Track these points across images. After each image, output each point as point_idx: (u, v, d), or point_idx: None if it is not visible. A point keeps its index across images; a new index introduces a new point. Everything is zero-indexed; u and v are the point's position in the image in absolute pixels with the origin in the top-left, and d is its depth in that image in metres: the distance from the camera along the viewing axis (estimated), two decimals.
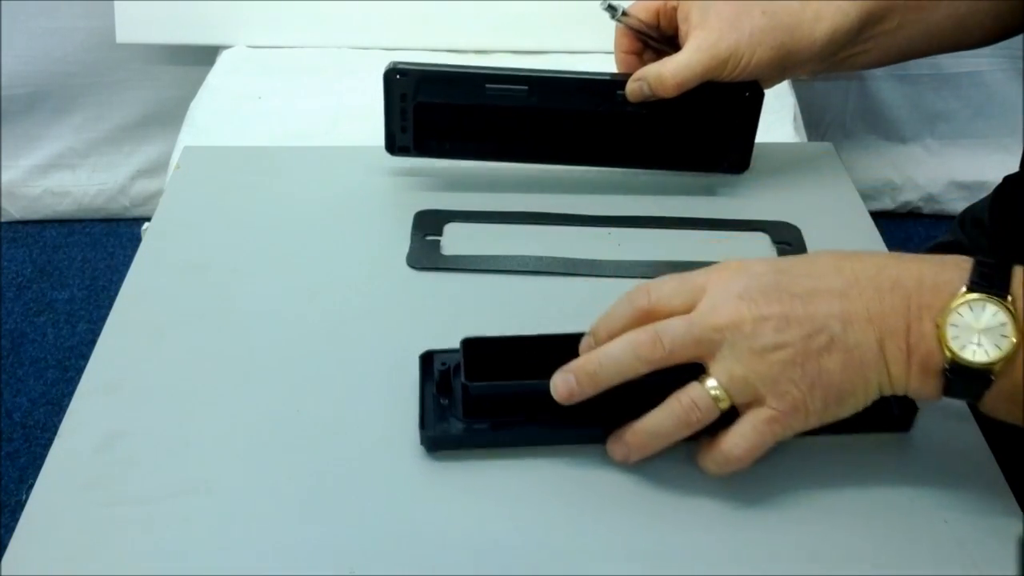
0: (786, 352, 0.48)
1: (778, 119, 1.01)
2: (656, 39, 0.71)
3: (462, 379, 0.53)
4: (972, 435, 0.55)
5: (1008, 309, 0.46)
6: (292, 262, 0.67)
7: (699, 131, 0.73)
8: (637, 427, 0.51)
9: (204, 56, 1.24)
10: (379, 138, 0.73)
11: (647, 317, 0.51)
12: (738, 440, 0.49)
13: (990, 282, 0.47)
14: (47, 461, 0.53)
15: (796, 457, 0.54)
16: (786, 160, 0.78)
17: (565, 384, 0.51)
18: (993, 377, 0.47)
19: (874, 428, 0.55)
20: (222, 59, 1.18)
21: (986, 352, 0.46)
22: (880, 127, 1.61)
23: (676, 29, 0.69)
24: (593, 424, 0.54)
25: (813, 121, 1.55)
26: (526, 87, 0.70)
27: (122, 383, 0.58)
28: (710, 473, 0.51)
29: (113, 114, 1.58)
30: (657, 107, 0.70)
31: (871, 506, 0.51)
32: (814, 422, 0.49)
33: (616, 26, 0.71)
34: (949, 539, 0.50)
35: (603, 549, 0.49)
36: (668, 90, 0.67)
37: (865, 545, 0.50)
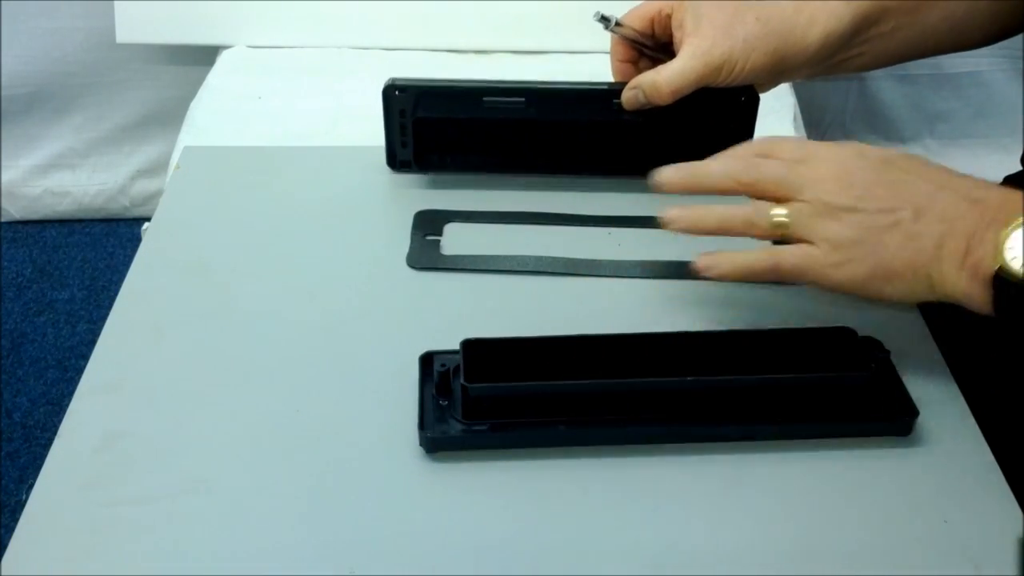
0: (854, 216, 0.54)
1: (778, 119, 1.01)
2: (651, 47, 0.71)
3: (462, 380, 0.53)
4: (972, 436, 0.55)
5: None
6: (292, 262, 0.67)
7: (697, 137, 0.73)
8: (712, 210, 0.58)
9: (204, 56, 1.24)
10: (379, 138, 0.73)
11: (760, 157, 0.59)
12: (781, 251, 0.56)
13: None
14: (47, 461, 0.53)
15: (796, 458, 0.54)
16: None
17: (672, 170, 0.60)
18: None
19: (874, 432, 0.55)
20: (222, 59, 1.17)
21: None
22: (880, 127, 1.60)
23: (671, 36, 0.69)
24: (593, 425, 0.54)
25: (813, 121, 1.55)
26: (523, 99, 0.71)
27: (122, 383, 0.58)
28: (743, 266, 0.58)
29: (113, 114, 1.58)
30: (654, 115, 0.70)
31: (871, 506, 0.52)
32: (854, 286, 0.55)
33: (611, 35, 0.71)
34: (949, 539, 0.50)
35: (603, 549, 0.49)
36: (663, 97, 0.67)
37: (865, 545, 0.50)
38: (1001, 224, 0.51)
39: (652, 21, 0.70)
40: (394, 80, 0.71)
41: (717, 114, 0.72)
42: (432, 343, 0.57)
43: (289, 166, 0.77)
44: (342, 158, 0.78)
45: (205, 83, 1.12)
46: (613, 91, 0.71)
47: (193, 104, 1.09)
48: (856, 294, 0.56)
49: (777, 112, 1.02)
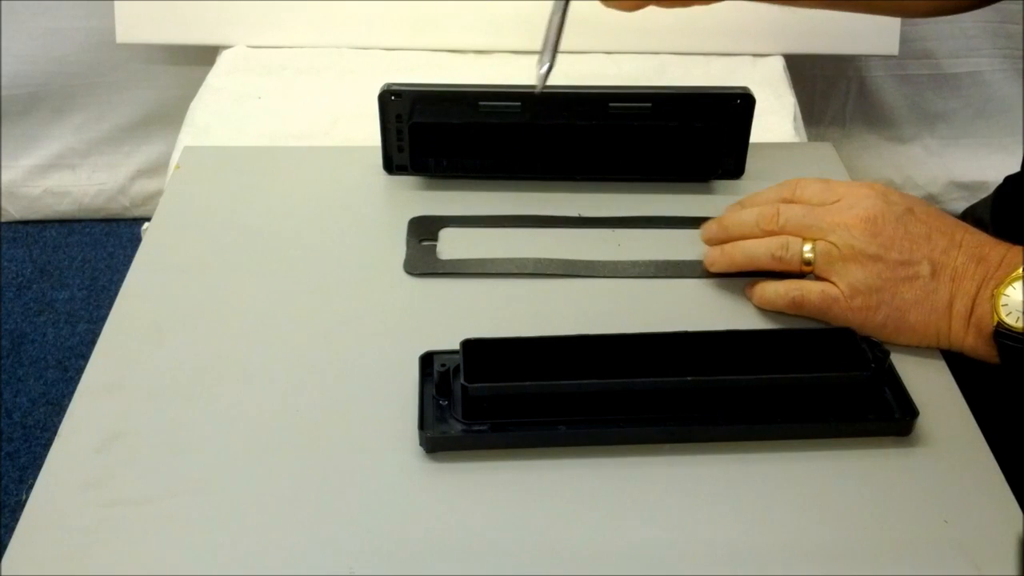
0: (878, 266, 0.58)
1: (778, 119, 1.01)
2: None
3: (461, 380, 0.53)
4: (972, 436, 0.55)
5: None
6: (292, 262, 0.67)
7: (693, 141, 0.73)
8: (738, 244, 0.62)
9: (204, 56, 1.24)
10: (378, 138, 0.73)
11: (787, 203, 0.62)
12: (804, 288, 0.60)
13: None
14: (47, 461, 0.53)
15: (796, 458, 0.54)
16: (786, 160, 0.78)
17: (709, 229, 0.65)
18: None
19: (874, 432, 0.55)
20: (222, 59, 1.18)
21: None
22: (880, 127, 1.60)
23: None
24: (593, 426, 0.54)
25: (813, 121, 1.55)
26: (519, 103, 0.71)
27: (122, 383, 0.58)
28: (764, 297, 0.62)
29: (113, 114, 1.58)
30: (650, 119, 0.70)
31: (871, 506, 0.51)
32: (868, 330, 0.58)
33: None
34: (949, 539, 0.50)
35: (603, 549, 0.49)
36: None
37: (865, 545, 0.50)
38: (999, 281, 0.55)
39: None
40: (390, 85, 0.71)
41: (713, 117, 0.72)
42: (431, 344, 0.57)
43: (289, 166, 0.77)
44: (342, 158, 0.78)
45: (205, 83, 1.12)
46: (609, 95, 0.71)
47: (193, 104, 1.09)
48: (871, 334, 0.58)
49: (777, 112, 1.02)
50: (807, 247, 0.60)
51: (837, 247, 0.59)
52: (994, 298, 0.55)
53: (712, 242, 0.65)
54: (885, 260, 0.58)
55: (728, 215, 0.65)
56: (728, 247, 0.63)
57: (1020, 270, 0.55)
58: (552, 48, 0.68)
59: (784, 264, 0.61)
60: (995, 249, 0.58)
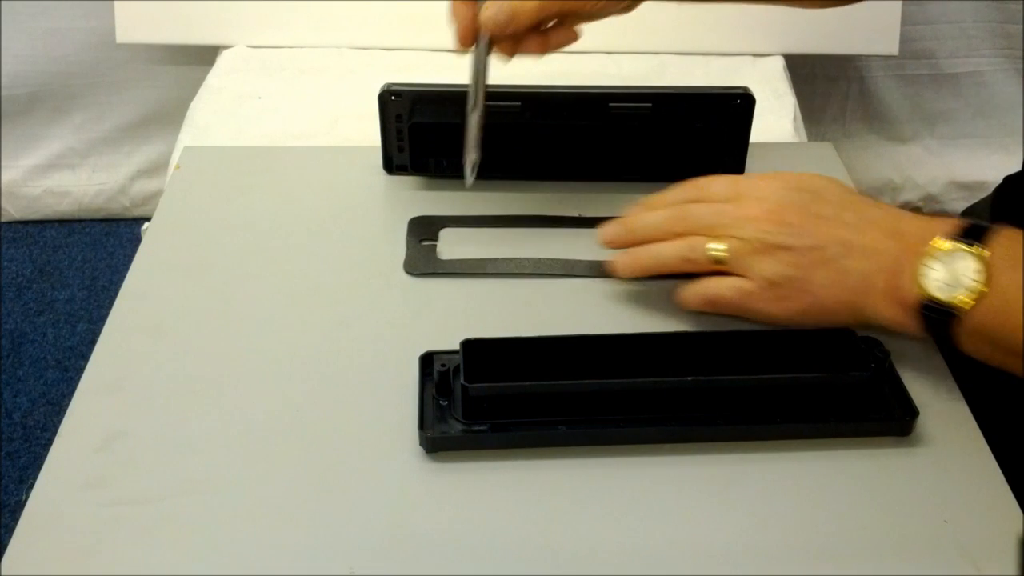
0: (787, 254, 0.57)
1: (778, 119, 1.01)
2: None
3: (462, 380, 0.53)
4: (972, 435, 0.55)
5: (980, 258, 0.53)
6: (292, 262, 0.67)
7: (693, 141, 0.73)
8: (646, 248, 0.61)
9: (204, 56, 1.24)
10: (378, 138, 0.73)
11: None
12: (719, 286, 0.59)
13: (970, 235, 0.54)
14: (47, 461, 0.53)
15: (796, 458, 0.54)
16: (786, 160, 0.78)
17: (612, 231, 0.63)
18: (957, 314, 0.53)
19: (874, 432, 0.55)
20: (222, 59, 1.18)
21: (955, 293, 0.53)
22: (880, 127, 1.60)
23: None
24: (593, 426, 0.54)
25: (813, 121, 1.55)
26: (519, 103, 0.71)
27: (122, 383, 0.58)
28: (681, 299, 0.61)
29: (113, 114, 1.58)
30: (650, 119, 0.70)
31: (871, 506, 0.51)
32: (790, 320, 0.58)
33: None
34: (949, 539, 0.50)
35: (603, 549, 0.49)
36: (528, 13, 0.62)
37: (865, 545, 0.50)
38: (918, 254, 0.55)
39: None
40: (390, 85, 0.71)
41: (712, 118, 0.72)
42: (431, 344, 0.57)
43: (289, 166, 0.77)
44: (341, 158, 0.78)
45: (205, 83, 1.12)
46: (609, 95, 0.71)
47: (193, 104, 1.09)
48: (790, 326, 0.58)
49: (777, 112, 1.02)
50: (717, 246, 0.59)
51: (747, 242, 0.58)
52: (917, 271, 0.54)
53: (615, 245, 0.63)
54: (796, 248, 0.57)
55: (632, 217, 0.63)
56: (636, 251, 0.62)
57: (941, 242, 0.54)
58: (476, 140, 0.66)
59: (695, 265, 0.60)
60: (911, 223, 0.57)
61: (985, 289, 0.53)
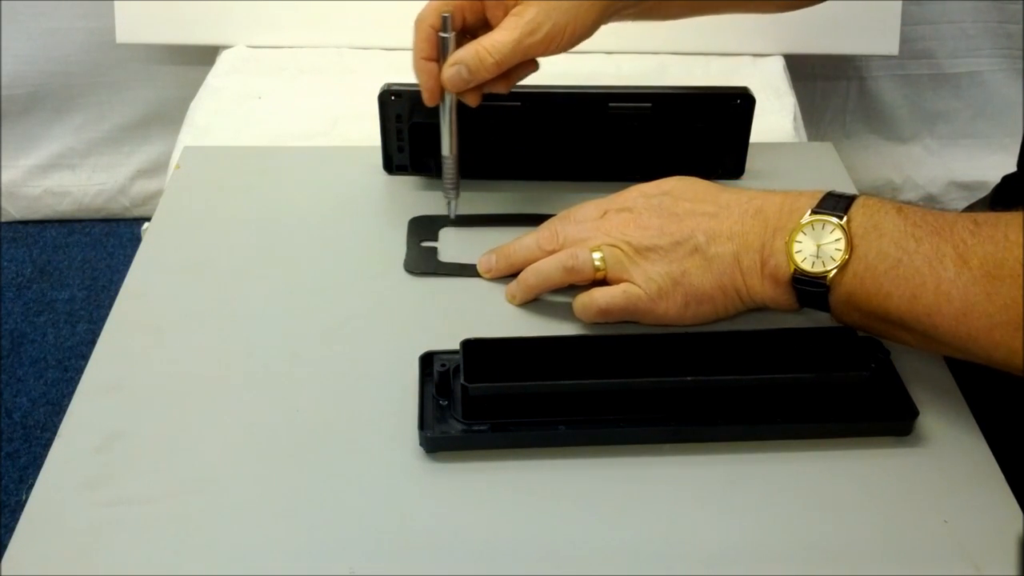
0: (657, 253, 0.60)
1: (778, 119, 1.01)
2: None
3: (461, 380, 0.53)
4: (972, 435, 0.55)
5: (843, 228, 0.55)
6: (292, 262, 0.67)
7: (693, 141, 0.73)
8: (531, 268, 0.63)
9: (204, 56, 1.24)
10: (378, 138, 0.73)
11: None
12: (605, 295, 0.60)
13: (832, 207, 0.56)
14: (47, 461, 0.53)
15: (796, 458, 0.54)
16: (786, 160, 0.78)
17: (487, 260, 0.66)
18: (829, 285, 0.55)
19: (874, 432, 0.55)
20: (222, 59, 1.18)
21: (823, 264, 0.55)
22: (880, 127, 1.60)
23: (481, 23, 0.66)
24: (593, 426, 0.54)
25: (813, 121, 1.55)
26: (519, 103, 0.71)
27: (122, 383, 0.58)
28: (577, 312, 0.62)
29: (113, 114, 1.58)
30: (650, 119, 0.70)
31: (871, 506, 0.51)
32: (677, 316, 0.60)
33: (416, 32, 0.65)
34: (949, 539, 0.50)
35: (603, 549, 0.49)
36: (488, 69, 0.63)
37: (865, 545, 0.50)
38: (784, 231, 0.57)
39: (464, 8, 0.65)
40: (390, 85, 0.71)
41: (712, 118, 0.72)
42: (431, 344, 0.57)
43: (289, 166, 0.77)
44: (341, 158, 0.78)
45: (205, 83, 1.12)
46: (609, 95, 0.71)
47: (193, 104, 1.09)
48: (682, 324, 0.60)
49: (777, 112, 1.02)
50: (595, 254, 0.61)
51: (618, 248, 0.60)
52: (788, 246, 0.56)
53: (493, 274, 0.65)
54: (662, 247, 0.59)
55: (505, 245, 0.66)
56: (521, 275, 0.64)
57: (807, 215, 0.56)
58: (454, 182, 0.69)
59: (577, 274, 0.61)
60: (770, 200, 0.59)
61: (847, 256, 0.55)
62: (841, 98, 1.57)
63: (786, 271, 0.57)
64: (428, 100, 0.66)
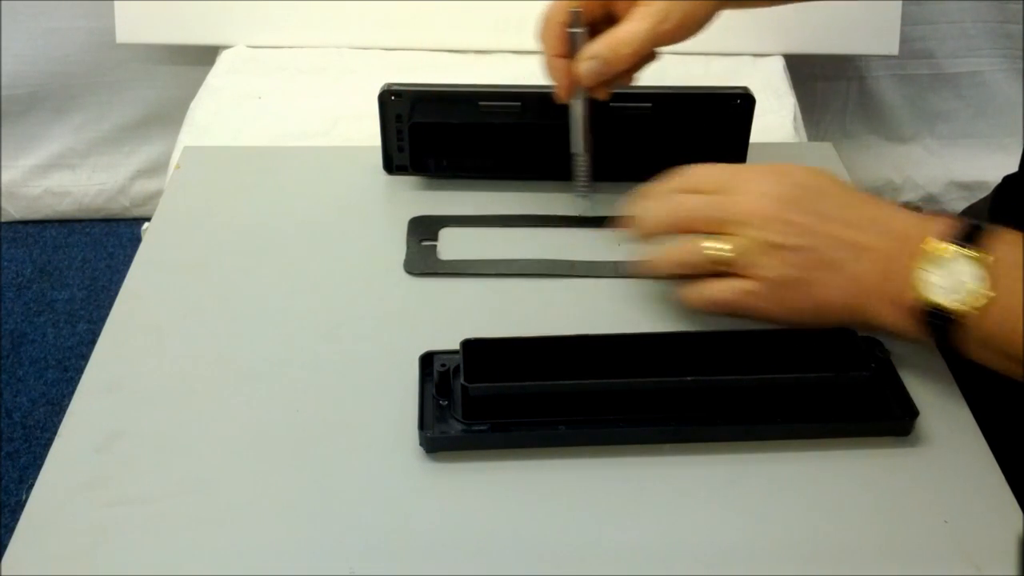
0: (796, 255, 0.56)
1: (778, 119, 1.01)
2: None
3: (462, 380, 0.53)
4: (972, 435, 0.55)
5: (982, 263, 0.52)
6: (291, 263, 0.67)
7: (693, 141, 0.73)
8: (662, 256, 0.61)
9: (204, 56, 1.24)
10: (378, 138, 0.73)
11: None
12: (718, 288, 0.58)
13: (969, 239, 0.53)
14: (47, 461, 0.53)
15: (796, 458, 0.54)
16: (786, 160, 0.78)
17: (630, 231, 0.62)
18: (962, 321, 0.52)
19: (874, 433, 0.55)
20: (222, 59, 1.18)
21: (961, 300, 0.52)
22: (880, 127, 1.60)
23: (605, 20, 0.66)
24: (593, 426, 0.54)
25: (813, 121, 1.55)
26: (519, 103, 0.71)
27: (122, 383, 0.58)
28: (683, 298, 0.61)
29: (113, 114, 1.58)
30: (650, 119, 0.70)
31: (871, 506, 0.51)
32: (792, 321, 0.57)
33: (544, 30, 0.66)
34: (949, 539, 0.50)
35: (603, 549, 0.49)
36: (623, 60, 0.64)
37: (865, 545, 0.50)
38: (918, 257, 0.53)
39: (592, 3, 0.65)
40: (390, 85, 0.71)
41: (712, 118, 0.72)
42: (431, 344, 0.57)
43: (289, 166, 0.77)
44: (341, 158, 0.78)
45: (205, 83, 1.13)
46: (609, 95, 0.71)
47: (193, 104, 1.09)
48: (787, 325, 0.58)
49: (777, 112, 1.02)
50: (719, 246, 0.58)
51: (750, 241, 0.57)
52: (913, 274, 0.53)
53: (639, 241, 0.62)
54: (800, 248, 0.56)
55: (637, 212, 0.62)
56: (655, 259, 0.61)
57: (937, 244, 0.53)
58: (587, 178, 0.69)
59: (698, 268, 0.59)
60: (904, 220, 0.56)
61: (992, 294, 0.51)
62: (841, 98, 1.57)
63: (916, 301, 0.53)
64: (561, 96, 0.66)
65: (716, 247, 0.58)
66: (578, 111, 0.68)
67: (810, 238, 0.56)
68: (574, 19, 0.64)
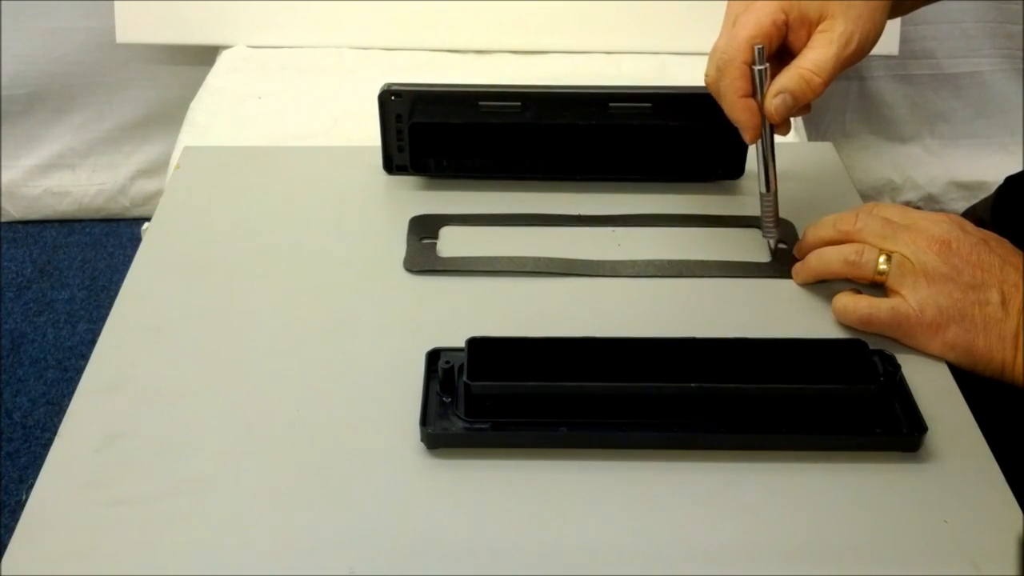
0: (949, 286, 0.58)
1: None
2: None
3: (465, 378, 0.53)
4: (972, 435, 0.55)
5: None
6: (292, 262, 0.67)
7: (693, 141, 0.73)
8: (817, 251, 0.63)
9: (204, 56, 1.25)
10: (378, 138, 0.73)
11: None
12: (873, 304, 0.60)
13: None
14: (47, 461, 0.53)
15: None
16: (786, 160, 0.78)
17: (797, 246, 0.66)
18: None
19: (881, 447, 0.54)
20: (222, 59, 1.18)
21: None
22: (880, 127, 1.60)
23: (780, 51, 0.65)
24: (596, 429, 0.54)
25: (813, 121, 1.55)
26: (519, 103, 0.71)
27: (122, 383, 0.58)
28: (835, 311, 0.61)
29: (113, 114, 1.58)
30: (650, 119, 0.70)
31: (871, 506, 0.51)
32: (932, 347, 0.58)
33: (726, 72, 0.63)
34: (949, 539, 0.50)
35: (603, 549, 0.49)
36: (816, 89, 0.63)
37: (865, 545, 0.50)
38: None
39: (771, 36, 0.63)
40: (390, 85, 0.71)
41: (712, 118, 0.72)
42: (431, 341, 0.57)
43: (289, 166, 0.77)
44: (341, 158, 0.78)
45: (205, 83, 1.13)
46: (609, 95, 0.71)
47: (193, 104, 1.09)
48: (930, 355, 0.59)
49: None
50: (882, 257, 0.60)
51: (911, 261, 0.59)
52: None
53: (801, 254, 0.66)
54: (956, 282, 0.58)
55: (807, 235, 0.66)
56: (808, 256, 0.64)
57: None
58: (774, 219, 0.67)
59: (857, 270, 0.61)
60: None
61: None
62: (841, 98, 1.57)
63: None
64: (751, 138, 0.64)
65: (878, 256, 0.60)
66: (767, 149, 0.66)
67: (966, 275, 0.58)
68: (758, 56, 0.62)
